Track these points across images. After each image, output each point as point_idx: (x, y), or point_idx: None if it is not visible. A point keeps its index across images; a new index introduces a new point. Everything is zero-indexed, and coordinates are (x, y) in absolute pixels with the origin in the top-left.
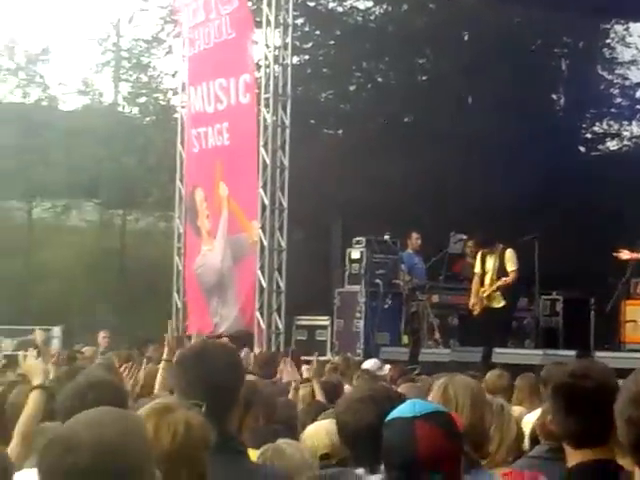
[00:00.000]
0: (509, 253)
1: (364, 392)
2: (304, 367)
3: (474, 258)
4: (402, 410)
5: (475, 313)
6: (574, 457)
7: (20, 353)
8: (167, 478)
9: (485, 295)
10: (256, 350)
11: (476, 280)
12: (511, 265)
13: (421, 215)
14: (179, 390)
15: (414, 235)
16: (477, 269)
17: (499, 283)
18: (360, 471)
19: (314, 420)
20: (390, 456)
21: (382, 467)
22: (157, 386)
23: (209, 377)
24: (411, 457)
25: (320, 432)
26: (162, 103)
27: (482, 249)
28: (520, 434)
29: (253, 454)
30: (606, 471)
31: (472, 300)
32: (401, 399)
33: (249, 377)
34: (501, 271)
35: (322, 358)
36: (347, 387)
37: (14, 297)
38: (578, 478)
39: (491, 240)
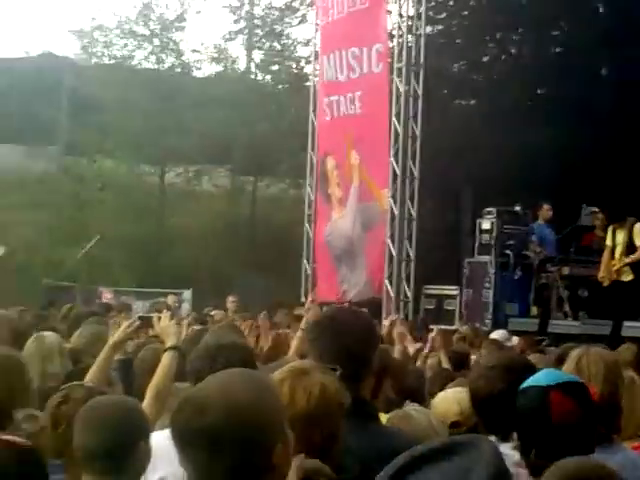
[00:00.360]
0: (638, 227)
1: (497, 360)
2: (430, 336)
3: (603, 231)
4: (537, 379)
5: (604, 285)
6: None
7: (154, 315)
8: (301, 439)
9: (615, 269)
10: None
11: (606, 253)
12: (639, 239)
13: (552, 186)
14: (313, 355)
15: (545, 206)
16: (608, 242)
17: (629, 260)
18: (491, 439)
19: (442, 389)
20: (524, 424)
21: (514, 435)
22: (291, 351)
23: (344, 343)
24: (545, 425)
25: (450, 400)
26: (295, 71)
27: (612, 222)
28: None
29: (383, 419)
30: None
31: (601, 273)
32: (533, 369)
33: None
34: (630, 245)
35: (449, 327)
36: (474, 357)
37: (146, 260)
38: None
39: (621, 214)
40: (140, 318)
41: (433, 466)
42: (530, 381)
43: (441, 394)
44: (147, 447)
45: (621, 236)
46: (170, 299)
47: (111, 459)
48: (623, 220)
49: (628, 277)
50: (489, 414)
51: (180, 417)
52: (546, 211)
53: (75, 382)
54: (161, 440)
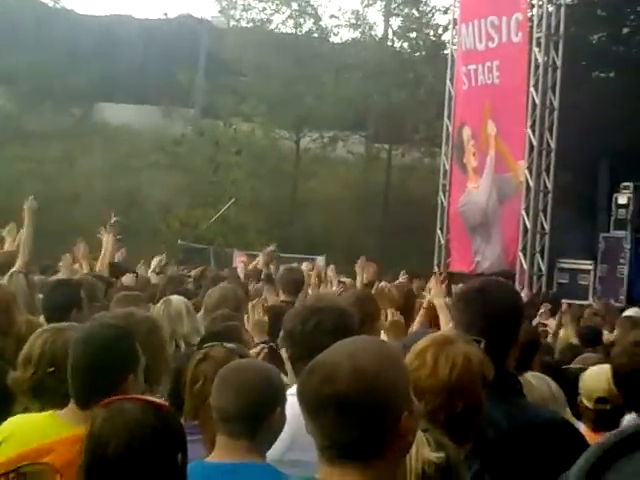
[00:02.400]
0: None
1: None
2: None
3: None
4: None
5: None
6: None
7: None
8: (443, 408)
9: None
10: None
11: None
12: None
13: None
14: (460, 325)
15: None
16: None
17: None
18: (632, 415)
19: (569, 363)
20: None
21: None
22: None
23: (492, 314)
24: None
25: (600, 376)
26: (432, 39)
27: None
28: None
29: None
30: None
31: None
32: None
33: None
34: None
35: (582, 302)
36: (606, 333)
37: (280, 225)
38: None
39: None
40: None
41: (630, 459)
42: None
43: (594, 368)
44: (283, 413)
45: None
46: (305, 266)
47: (247, 422)
48: None
49: None
50: (631, 390)
51: (309, 384)
52: None
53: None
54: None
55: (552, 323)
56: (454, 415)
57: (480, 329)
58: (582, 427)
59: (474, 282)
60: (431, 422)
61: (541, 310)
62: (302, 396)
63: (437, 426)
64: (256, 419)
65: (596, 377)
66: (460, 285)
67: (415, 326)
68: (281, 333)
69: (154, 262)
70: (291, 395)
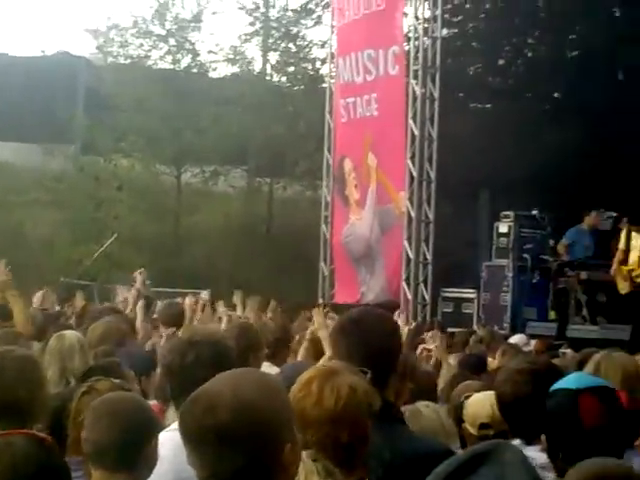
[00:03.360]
0: None
1: (524, 364)
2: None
3: None
4: (567, 382)
5: (620, 290)
6: None
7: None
8: (330, 438)
9: (634, 274)
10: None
11: (618, 256)
12: None
13: (569, 190)
14: (339, 356)
15: (593, 213)
16: (621, 245)
17: None
18: (517, 442)
19: (452, 390)
20: (553, 426)
21: (542, 438)
22: (299, 358)
23: (368, 344)
24: (574, 429)
25: (484, 401)
26: (311, 73)
27: (631, 226)
28: None
29: None
30: None
31: (615, 276)
32: (560, 373)
33: None
34: None
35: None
36: (490, 360)
37: (163, 260)
38: None
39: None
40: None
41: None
42: (560, 384)
43: (478, 394)
44: (156, 445)
45: (639, 240)
46: (188, 300)
47: (123, 452)
48: None
49: None
50: (515, 418)
51: (190, 415)
52: (593, 217)
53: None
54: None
55: (436, 350)
56: (340, 445)
57: (359, 360)
58: None
59: (350, 313)
60: (319, 452)
61: (427, 337)
62: (184, 427)
63: (325, 456)
64: (132, 449)
65: (480, 403)
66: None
67: (299, 357)
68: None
69: (36, 299)
70: (173, 431)
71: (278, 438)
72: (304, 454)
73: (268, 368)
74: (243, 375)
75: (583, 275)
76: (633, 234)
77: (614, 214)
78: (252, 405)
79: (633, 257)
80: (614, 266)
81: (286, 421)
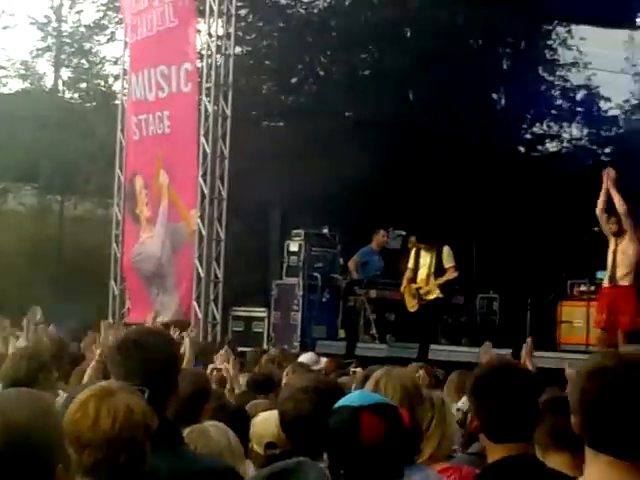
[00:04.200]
0: (446, 250)
1: (307, 382)
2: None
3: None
4: (349, 399)
5: (409, 308)
6: (496, 452)
7: None
8: (106, 460)
9: (422, 292)
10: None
11: (407, 274)
12: (448, 262)
13: (360, 209)
14: (118, 376)
15: (381, 232)
16: (410, 264)
17: (441, 280)
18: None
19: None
20: (334, 443)
21: (324, 457)
22: (85, 378)
23: (147, 363)
24: (354, 446)
25: (270, 420)
26: (103, 89)
27: (419, 245)
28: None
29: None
30: (528, 467)
31: (404, 294)
32: (342, 391)
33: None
34: (438, 268)
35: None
36: (280, 379)
37: None
38: (500, 473)
39: (430, 236)
40: None
41: None
42: (342, 401)
43: (263, 414)
44: None
45: (427, 258)
46: None
47: None
48: (430, 242)
49: (433, 295)
50: (297, 436)
51: None
52: (381, 236)
53: None
54: None
55: (229, 369)
56: (117, 466)
57: (138, 380)
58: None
59: (129, 332)
60: (94, 475)
61: (217, 356)
62: None
63: (102, 478)
64: None
65: (265, 422)
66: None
67: (86, 378)
68: None
69: None
70: None
71: (49, 459)
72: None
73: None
74: (13, 397)
75: (372, 294)
76: (422, 252)
77: (403, 233)
78: (21, 428)
79: (421, 275)
80: (404, 284)
81: (57, 442)
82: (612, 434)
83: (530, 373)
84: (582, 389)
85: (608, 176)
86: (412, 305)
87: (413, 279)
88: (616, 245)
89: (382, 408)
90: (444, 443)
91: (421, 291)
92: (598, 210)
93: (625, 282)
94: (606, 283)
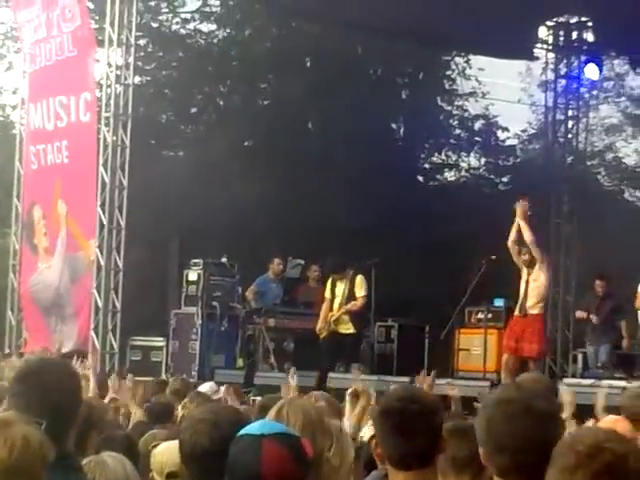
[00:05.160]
0: (359, 279)
1: (207, 413)
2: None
3: (318, 283)
4: (251, 428)
5: (322, 337)
6: (398, 479)
7: None
8: None
9: (333, 319)
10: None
11: (326, 305)
12: (360, 291)
13: (260, 238)
14: (17, 407)
15: (276, 260)
16: (327, 294)
17: (347, 307)
18: None
19: (139, 439)
20: (234, 473)
21: None
22: None
23: (48, 395)
24: (255, 475)
25: (172, 450)
26: (1, 119)
27: (333, 275)
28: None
29: None
30: None
31: (320, 324)
32: (243, 420)
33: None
34: (350, 296)
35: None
36: (179, 409)
37: None
38: None
39: (341, 266)
40: None
41: None
42: (245, 430)
43: (165, 443)
44: None
45: (342, 287)
46: None
47: None
48: (343, 272)
49: (348, 329)
50: (196, 466)
51: None
52: (277, 265)
53: None
54: None
55: (124, 399)
56: None
57: (38, 411)
58: None
59: (29, 363)
60: None
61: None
62: None
63: None
64: None
65: (167, 452)
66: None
67: None
68: None
69: None
70: None
71: None
72: None
73: None
74: None
75: (271, 322)
76: (337, 282)
77: (302, 262)
78: None
79: (336, 304)
80: (322, 314)
81: None
82: (517, 462)
83: (434, 402)
84: (489, 419)
85: (520, 208)
86: (322, 333)
87: (331, 309)
88: (528, 275)
89: (284, 437)
90: (342, 472)
91: (332, 319)
92: (510, 242)
93: (535, 311)
94: (517, 312)
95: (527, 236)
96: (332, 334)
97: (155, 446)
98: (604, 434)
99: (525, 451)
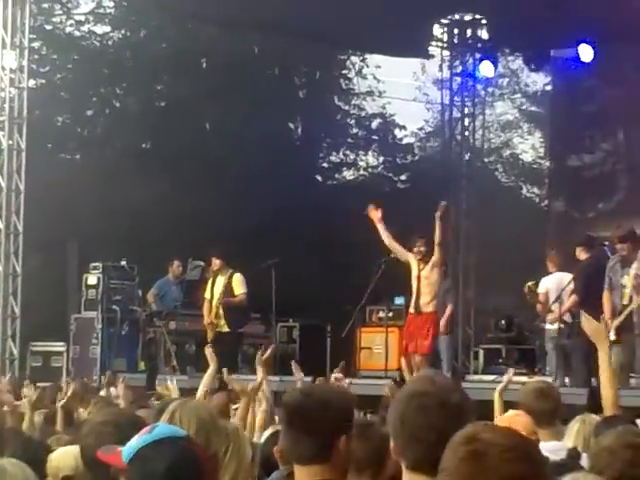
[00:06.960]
0: (237, 277)
1: (107, 416)
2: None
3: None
4: (141, 433)
5: (209, 338)
6: (301, 475)
7: None
8: None
9: (213, 318)
10: None
11: (206, 305)
12: (239, 288)
13: (160, 241)
14: None
15: (175, 262)
16: (207, 294)
17: (221, 302)
18: None
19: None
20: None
21: None
22: None
23: None
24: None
25: (68, 454)
26: None
27: (217, 274)
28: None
29: None
30: None
31: (206, 320)
32: (143, 423)
33: None
34: (228, 294)
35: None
36: (82, 412)
37: None
38: None
39: (223, 253)
40: None
41: None
42: (137, 436)
43: (61, 448)
44: None
45: (219, 285)
46: None
47: None
48: (224, 270)
49: (222, 328)
50: (97, 469)
51: None
52: (176, 267)
53: None
54: None
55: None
56: None
57: None
58: None
59: None
60: None
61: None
62: None
63: None
64: None
65: (63, 455)
66: None
67: None
68: None
69: None
70: None
71: None
72: None
73: None
74: None
75: (172, 325)
76: (217, 278)
77: (202, 263)
78: None
79: (215, 302)
80: (205, 315)
81: None
82: (430, 454)
83: (335, 397)
84: (403, 411)
85: (441, 209)
86: (210, 335)
87: (210, 308)
88: (419, 270)
89: (175, 440)
90: (241, 473)
91: (214, 320)
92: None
93: (429, 309)
94: (412, 310)
95: (438, 237)
96: (216, 335)
97: (52, 451)
98: (482, 427)
99: (439, 443)
